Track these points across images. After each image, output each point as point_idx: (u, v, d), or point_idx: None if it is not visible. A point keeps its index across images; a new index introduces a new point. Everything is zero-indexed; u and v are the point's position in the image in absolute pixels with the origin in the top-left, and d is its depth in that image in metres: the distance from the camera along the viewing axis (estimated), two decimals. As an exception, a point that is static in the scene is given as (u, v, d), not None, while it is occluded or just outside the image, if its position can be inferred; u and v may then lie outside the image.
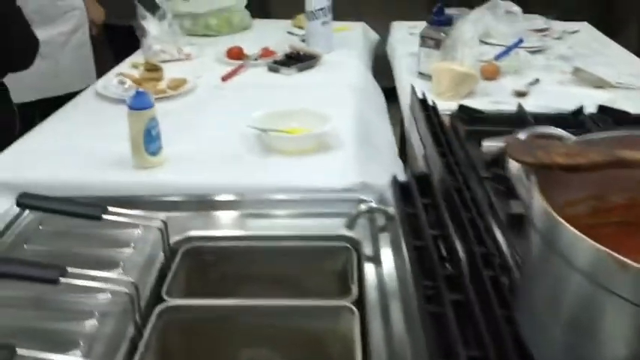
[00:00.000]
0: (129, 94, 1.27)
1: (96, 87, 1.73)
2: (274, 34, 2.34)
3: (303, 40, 2.23)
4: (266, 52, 2.02)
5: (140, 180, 1.26)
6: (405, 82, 1.81)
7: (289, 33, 2.36)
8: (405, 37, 2.27)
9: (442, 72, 1.64)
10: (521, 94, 1.66)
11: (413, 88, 1.55)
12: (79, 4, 2.38)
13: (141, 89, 1.22)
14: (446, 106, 1.49)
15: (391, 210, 1.07)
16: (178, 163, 1.31)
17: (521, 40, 1.99)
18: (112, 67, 1.99)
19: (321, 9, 2.03)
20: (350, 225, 1.07)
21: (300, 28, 2.40)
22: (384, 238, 1.05)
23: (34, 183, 1.22)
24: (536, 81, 1.76)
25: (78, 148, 1.39)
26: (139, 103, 1.23)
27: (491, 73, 1.76)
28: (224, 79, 1.83)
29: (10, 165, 1.33)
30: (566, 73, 1.83)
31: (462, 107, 1.47)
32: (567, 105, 1.49)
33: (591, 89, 1.71)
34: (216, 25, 2.30)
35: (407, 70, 1.89)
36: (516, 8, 1.61)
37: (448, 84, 1.64)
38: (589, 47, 2.13)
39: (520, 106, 1.46)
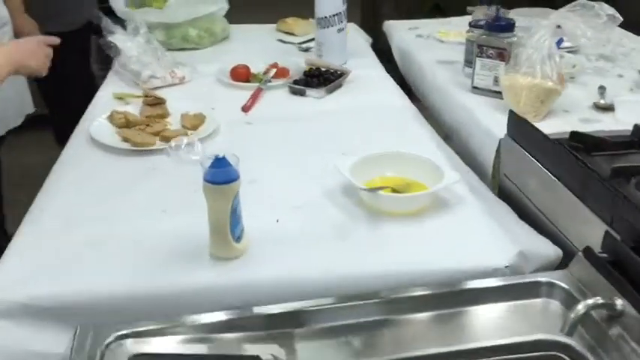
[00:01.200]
0: (200, 159, 0.90)
1: (91, 132, 1.31)
2: (262, 43, 2.00)
3: (305, 50, 1.90)
4: (278, 70, 1.68)
5: (224, 278, 0.91)
6: (456, 98, 1.54)
7: (280, 41, 2.02)
8: (416, 40, 2.00)
9: (522, 88, 1.38)
10: (606, 109, 1.43)
11: (514, 115, 1.25)
12: (7, 19, 1.89)
13: (219, 155, 0.86)
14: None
15: (620, 304, 0.79)
16: (260, 247, 0.97)
17: (562, 40, 1.77)
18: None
19: (337, 14, 1.71)
20: (570, 330, 0.78)
21: (290, 33, 2.07)
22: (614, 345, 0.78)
23: (71, 301, 0.85)
24: (603, 89, 1.54)
25: (114, 233, 1.00)
26: (223, 176, 0.88)
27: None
28: (245, 109, 1.48)
29: (22, 277, 0.91)
30: (625, 77, 1.63)
31: (575, 134, 1.22)
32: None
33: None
34: (197, 37, 1.91)
35: (452, 83, 1.62)
36: (611, 11, 1.38)
37: (532, 102, 1.38)
38: (620, 43, 1.95)
39: (637, 127, 1.23)
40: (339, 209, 1.07)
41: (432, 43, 1.95)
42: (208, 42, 1.94)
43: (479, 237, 1.00)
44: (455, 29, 2.02)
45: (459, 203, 1.08)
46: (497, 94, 1.50)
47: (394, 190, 1.08)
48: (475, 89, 1.54)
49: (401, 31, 2.08)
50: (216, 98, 1.55)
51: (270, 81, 1.61)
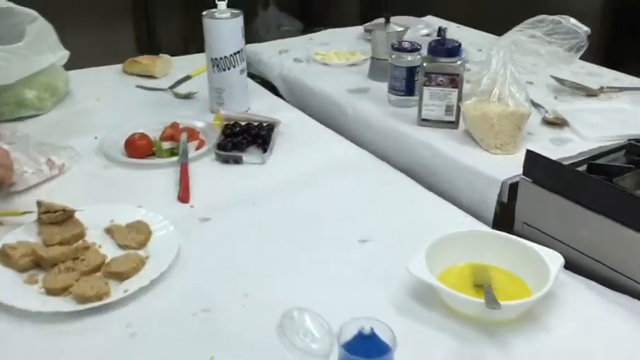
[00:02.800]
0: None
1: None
2: (118, 94, 1.56)
3: (186, 97, 1.52)
4: (189, 133, 1.29)
5: None
6: (406, 135, 1.34)
7: (142, 87, 1.59)
8: (298, 66, 1.73)
9: (499, 117, 1.22)
10: (557, 123, 1.35)
11: (533, 155, 1.08)
12: None
13: (364, 329, 0.52)
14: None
15: None
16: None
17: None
18: None
19: (238, 52, 1.37)
20: None
21: (147, 76, 1.65)
22: None
23: None
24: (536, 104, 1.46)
25: None
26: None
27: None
28: (183, 198, 1.09)
29: None
30: (535, 83, 1.58)
31: (593, 166, 1.10)
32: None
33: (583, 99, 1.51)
34: (36, 99, 1.40)
35: (387, 117, 1.41)
36: (580, 25, 1.27)
37: (511, 131, 1.23)
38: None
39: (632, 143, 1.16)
40: (421, 323, 0.81)
41: (320, 69, 1.71)
42: (51, 103, 1.45)
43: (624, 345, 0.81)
44: (323, 48, 1.82)
45: (565, 290, 0.88)
46: (449, 124, 1.33)
47: (478, 286, 0.85)
48: (424, 122, 1.35)
49: (273, 57, 1.80)
50: (126, 189, 1.13)
51: (183, 150, 1.23)
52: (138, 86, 1.60)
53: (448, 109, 1.33)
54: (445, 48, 1.30)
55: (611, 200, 0.98)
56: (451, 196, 1.19)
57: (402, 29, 1.58)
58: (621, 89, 1.54)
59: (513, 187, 1.14)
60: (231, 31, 1.34)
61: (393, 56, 1.43)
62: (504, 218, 1.17)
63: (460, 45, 1.31)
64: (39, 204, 0.97)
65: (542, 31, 1.23)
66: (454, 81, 1.30)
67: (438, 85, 1.31)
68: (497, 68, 1.25)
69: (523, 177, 1.10)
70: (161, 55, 1.71)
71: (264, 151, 1.24)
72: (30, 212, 0.99)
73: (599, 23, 2.82)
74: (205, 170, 1.19)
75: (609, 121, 1.36)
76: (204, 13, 1.35)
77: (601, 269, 0.99)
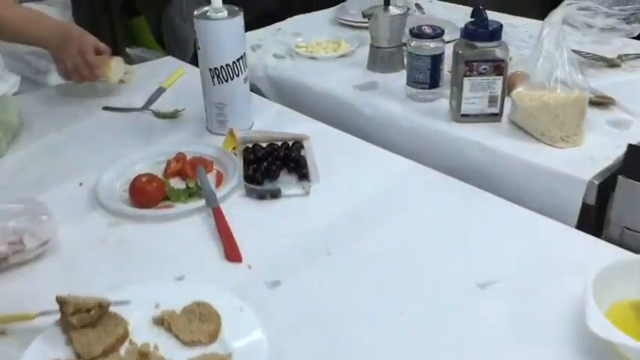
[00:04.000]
0: None
1: None
2: (80, 119, 1.26)
3: (172, 116, 1.25)
4: (193, 164, 1.03)
5: None
6: (448, 134, 1.15)
7: (109, 109, 1.29)
8: (283, 62, 1.49)
9: (564, 105, 1.05)
10: (603, 103, 1.20)
11: (636, 149, 0.91)
12: None
13: None
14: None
15: None
16: None
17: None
18: None
19: (241, 58, 1.12)
20: None
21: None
22: None
23: None
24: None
25: None
26: None
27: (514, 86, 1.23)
28: (232, 257, 0.84)
29: None
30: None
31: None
32: None
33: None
34: (-13, 143, 1.08)
35: (417, 115, 1.21)
36: None
37: (577, 120, 1.07)
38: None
39: None
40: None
41: (309, 64, 1.47)
42: (5, 143, 1.13)
43: None
44: (299, 39, 1.58)
45: None
46: (492, 117, 1.16)
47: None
48: (463, 117, 1.16)
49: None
50: (148, 253, 0.87)
51: (212, 191, 0.97)
52: (105, 108, 1.30)
53: (492, 101, 1.14)
54: (486, 31, 1.11)
55: None
56: (523, 202, 1.01)
57: (404, 12, 1.38)
58: (635, 57, 1.43)
59: (602, 187, 0.98)
60: (233, 34, 1.09)
61: (413, 44, 1.23)
62: (590, 222, 1.02)
63: (502, 26, 1.12)
64: (62, 301, 0.70)
65: (599, 1, 1.07)
66: (499, 68, 1.12)
67: (481, 74, 1.12)
68: (550, 49, 1.09)
69: (623, 177, 0.94)
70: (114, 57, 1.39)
71: (302, 177, 1.01)
72: (46, 313, 0.71)
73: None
74: (240, 211, 0.94)
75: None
76: (195, 12, 1.08)
77: None
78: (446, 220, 0.93)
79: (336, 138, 1.16)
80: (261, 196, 0.97)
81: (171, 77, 1.41)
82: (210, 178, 1.01)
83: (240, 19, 1.08)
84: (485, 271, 0.81)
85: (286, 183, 1.00)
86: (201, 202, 0.94)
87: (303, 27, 1.71)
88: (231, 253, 0.84)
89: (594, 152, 1.05)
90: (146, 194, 0.94)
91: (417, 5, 1.79)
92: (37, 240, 0.84)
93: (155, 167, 1.05)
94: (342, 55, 1.50)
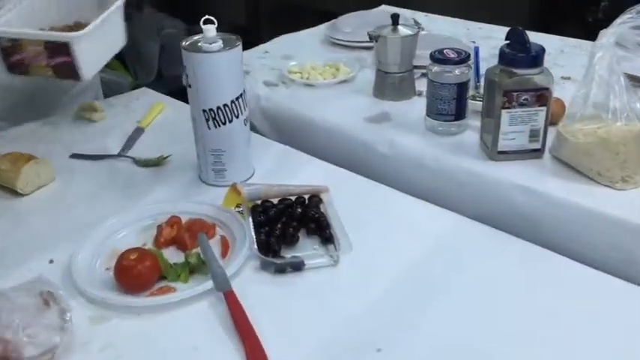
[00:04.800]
0: None
1: None
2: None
3: (155, 164, 1.05)
4: (189, 230, 0.83)
5: None
6: (486, 177, 0.98)
7: (78, 156, 1.08)
8: (277, 92, 1.30)
9: (626, 140, 0.90)
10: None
11: None
12: None
13: None
14: None
15: None
16: None
17: (477, 48, 1.34)
18: None
19: (240, 96, 0.93)
20: None
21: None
22: None
23: None
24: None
25: None
26: None
27: (557, 116, 1.07)
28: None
29: None
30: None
31: None
32: None
33: None
34: None
35: (446, 153, 1.04)
36: None
37: (637, 159, 0.92)
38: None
39: None
40: None
41: (307, 93, 1.29)
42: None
43: None
44: (290, 63, 1.39)
45: None
46: (534, 153, 1.00)
47: None
48: (500, 154, 1.00)
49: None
50: (150, 355, 0.67)
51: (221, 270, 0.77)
52: (73, 155, 1.09)
53: (533, 135, 0.98)
54: (527, 56, 0.95)
55: None
56: (583, 257, 0.85)
57: (415, 32, 1.21)
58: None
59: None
60: (231, 68, 0.90)
61: (435, 70, 1.06)
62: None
63: (544, 49, 0.96)
64: None
65: None
66: (542, 97, 0.96)
67: (522, 105, 0.96)
68: (603, 74, 0.93)
69: None
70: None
71: (325, 240, 0.83)
72: None
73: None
74: (256, 292, 0.75)
75: None
76: (184, 43, 0.89)
77: None
78: (517, 292, 0.76)
79: (357, 185, 0.98)
80: (280, 270, 0.78)
81: (150, 114, 1.21)
82: (214, 245, 0.81)
83: (238, 51, 0.90)
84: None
85: (308, 250, 0.82)
86: (208, 282, 0.75)
87: (293, 48, 1.53)
88: (256, 358, 0.65)
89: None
90: (138, 277, 0.74)
91: (415, 21, 1.63)
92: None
93: (143, 235, 0.85)
94: (343, 81, 1.32)
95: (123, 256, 0.76)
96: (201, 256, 0.79)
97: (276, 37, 1.62)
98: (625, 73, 0.94)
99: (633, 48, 0.95)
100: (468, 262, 0.81)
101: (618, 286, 0.77)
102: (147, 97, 1.32)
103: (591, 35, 1.63)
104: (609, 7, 2.56)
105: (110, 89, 1.53)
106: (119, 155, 1.08)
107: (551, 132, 0.99)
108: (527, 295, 0.75)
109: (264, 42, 1.58)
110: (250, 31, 1.50)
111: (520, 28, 0.96)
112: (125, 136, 1.14)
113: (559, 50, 1.43)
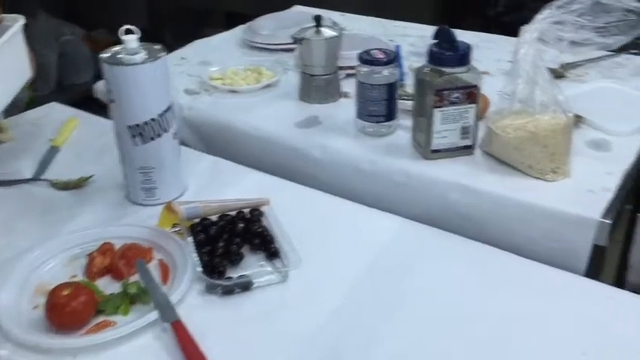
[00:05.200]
0: None
1: None
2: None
3: (75, 186, 0.97)
4: (123, 258, 0.77)
5: None
6: (414, 173, 0.98)
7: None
8: (199, 100, 1.24)
9: (554, 133, 0.92)
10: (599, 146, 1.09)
11: None
12: None
13: None
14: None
15: None
16: None
17: (399, 46, 1.34)
18: None
19: (168, 109, 0.87)
20: None
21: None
22: None
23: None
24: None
25: None
26: None
27: (482, 110, 1.09)
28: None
29: None
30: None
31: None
32: None
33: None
34: None
35: (380, 154, 1.02)
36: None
37: (566, 148, 0.94)
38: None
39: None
40: None
41: (232, 100, 1.24)
42: None
43: None
44: (209, 69, 1.34)
45: None
46: (465, 150, 1.01)
47: None
48: (434, 153, 1.00)
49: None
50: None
51: (164, 296, 0.72)
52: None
53: (465, 132, 0.99)
54: (456, 54, 0.95)
55: None
56: (524, 250, 0.87)
57: (339, 33, 1.20)
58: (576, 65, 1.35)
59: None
60: (157, 80, 0.84)
61: (364, 71, 1.05)
62: (600, 265, 0.90)
63: (470, 47, 0.97)
64: None
65: (576, 13, 0.95)
66: (472, 95, 0.97)
67: (453, 103, 0.97)
68: (528, 70, 0.95)
69: (644, 214, 0.82)
70: None
71: (271, 255, 0.79)
72: None
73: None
74: (204, 318, 0.70)
75: (617, 106, 1.15)
76: (103, 55, 0.83)
77: None
78: (469, 292, 0.76)
79: (295, 194, 0.95)
80: (227, 292, 0.74)
81: (64, 131, 1.13)
82: (152, 271, 0.76)
83: (163, 61, 0.84)
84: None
85: (254, 267, 0.78)
86: (151, 313, 0.69)
87: (210, 54, 1.47)
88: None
89: (589, 184, 0.92)
90: (72, 315, 0.68)
91: (332, 21, 1.61)
92: None
93: (72, 265, 0.78)
94: (267, 86, 1.28)
95: (54, 293, 0.69)
96: (142, 284, 0.73)
97: (181, 41, 1.56)
98: (547, 67, 0.97)
99: (553, 43, 0.98)
100: (417, 265, 0.80)
101: (564, 278, 0.79)
102: (57, 113, 1.23)
103: (493, 28, 1.70)
104: (509, 0, 2.66)
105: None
106: (34, 179, 0.99)
107: (481, 127, 1.01)
108: (480, 293, 0.75)
109: (169, 47, 1.51)
110: (152, 35, 1.43)
111: (447, 27, 0.96)
112: (38, 157, 1.05)
113: (474, 45, 1.45)
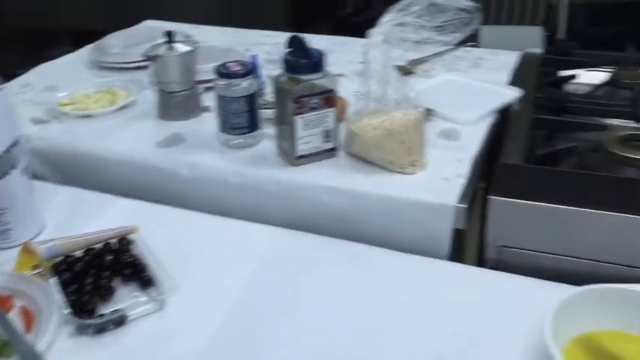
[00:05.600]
0: None
1: None
2: None
3: None
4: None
5: None
6: (284, 181, 0.99)
7: None
8: (48, 129, 1.16)
9: (408, 129, 0.97)
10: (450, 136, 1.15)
11: (506, 168, 0.84)
12: None
13: None
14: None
15: None
16: None
17: (255, 56, 1.34)
18: None
19: (15, 144, 0.80)
20: None
21: None
22: None
23: None
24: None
25: None
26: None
27: (341, 112, 1.12)
28: None
29: None
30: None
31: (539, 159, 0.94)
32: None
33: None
34: None
35: (250, 166, 1.02)
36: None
37: (421, 143, 0.99)
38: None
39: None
40: None
41: (86, 126, 1.17)
42: None
43: None
44: (58, 95, 1.26)
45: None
46: (330, 153, 1.03)
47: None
48: (300, 159, 1.01)
49: None
50: None
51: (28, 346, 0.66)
52: None
53: (326, 136, 1.02)
54: (310, 61, 0.97)
55: (614, 191, 0.84)
56: (392, 242, 0.91)
57: (193, 47, 1.17)
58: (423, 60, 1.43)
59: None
60: (0, 113, 0.78)
61: (222, 84, 1.04)
62: (462, 247, 0.96)
63: (322, 53, 0.99)
64: None
65: (415, 15, 1.00)
66: (329, 99, 0.99)
67: (312, 109, 0.98)
68: (379, 71, 0.99)
69: (494, 196, 0.88)
70: None
71: (146, 284, 0.76)
72: None
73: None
74: (79, 361, 0.66)
75: (461, 97, 1.24)
76: None
77: (618, 271, 0.85)
78: (354, 293, 0.77)
79: (167, 217, 0.92)
80: (100, 330, 0.70)
81: None
82: (14, 319, 0.70)
83: (6, 92, 0.78)
84: (425, 343, 0.67)
85: (128, 300, 0.74)
86: (18, 367, 0.64)
87: (56, 78, 1.38)
88: None
89: (444, 172, 0.98)
90: None
91: (186, 35, 1.58)
92: None
93: None
94: (123, 107, 1.23)
95: None
96: (3, 336, 0.67)
97: (24, 64, 1.46)
98: (396, 66, 1.02)
99: (398, 43, 1.03)
100: (299, 273, 0.81)
101: (430, 265, 0.84)
102: None
103: (345, 30, 1.76)
104: (357, 1, 2.77)
105: None
106: None
107: (342, 128, 1.03)
108: (358, 290, 0.78)
109: (8, 74, 1.41)
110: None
111: (299, 36, 0.98)
112: None
113: (327, 49, 1.49)
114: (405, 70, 1.36)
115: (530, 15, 3.17)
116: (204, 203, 1.00)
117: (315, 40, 1.30)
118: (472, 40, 1.56)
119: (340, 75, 1.33)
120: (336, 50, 1.49)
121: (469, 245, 1.00)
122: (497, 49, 1.50)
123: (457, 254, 0.95)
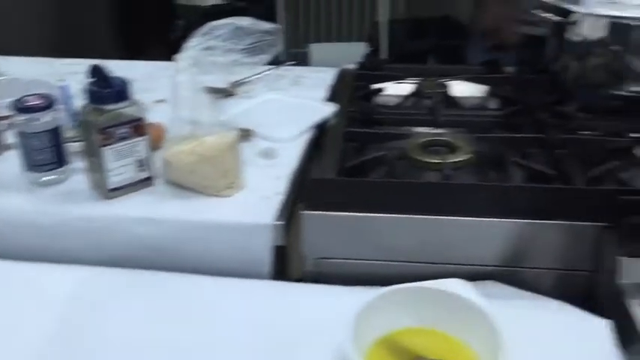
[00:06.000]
0: None
1: None
2: None
3: None
4: None
5: None
6: (99, 217, 0.95)
7: None
8: None
9: (223, 152, 0.96)
10: (244, 136, 1.15)
11: (317, 183, 0.86)
12: None
13: None
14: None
15: None
16: None
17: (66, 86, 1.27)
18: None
19: None
20: None
21: None
22: None
23: None
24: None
25: None
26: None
27: (158, 139, 1.10)
28: None
29: None
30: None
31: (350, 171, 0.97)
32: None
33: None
34: None
35: (54, 202, 0.95)
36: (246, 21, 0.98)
37: (237, 164, 0.99)
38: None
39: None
40: None
41: None
42: None
43: None
44: None
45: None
46: (146, 182, 1.00)
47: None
48: (113, 192, 0.97)
49: None
50: None
51: None
52: None
53: (140, 165, 0.99)
54: (113, 90, 0.94)
55: (415, 195, 0.90)
56: (212, 268, 0.90)
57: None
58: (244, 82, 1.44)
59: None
60: None
61: (22, 120, 0.97)
62: (286, 264, 0.97)
63: (126, 82, 0.96)
64: None
65: (220, 38, 1.01)
66: (139, 128, 0.96)
67: (122, 139, 0.95)
68: (188, 96, 0.98)
69: (307, 212, 0.90)
70: None
71: None
72: None
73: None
74: None
75: (280, 115, 1.26)
76: None
77: (427, 269, 0.91)
78: (165, 323, 0.75)
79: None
80: None
81: None
82: None
83: None
84: None
85: None
86: None
87: None
88: None
89: (264, 190, 0.99)
90: None
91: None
92: None
93: None
94: None
95: None
96: None
97: None
98: (208, 87, 1.01)
99: (208, 67, 1.03)
100: (116, 313, 0.77)
101: (251, 286, 0.84)
102: None
103: (177, 53, 1.72)
104: (185, 25, 2.75)
105: None
106: None
107: (159, 156, 1.01)
108: (173, 323, 0.76)
109: None
110: None
111: (99, 65, 0.94)
112: None
113: (148, 75, 1.46)
114: (226, 93, 1.37)
115: (358, 31, 3.34)
116: (14, 250, 0.92)
117: (141, 66, 1.26)
118: (294, 58, 1.61)
119: (160, 101, 1.31)
120: (162, 75, 1.46)
121: (293, 261, 1.01)
122: (326, 66, 1.55)
123: (283, 271, 0.96)
